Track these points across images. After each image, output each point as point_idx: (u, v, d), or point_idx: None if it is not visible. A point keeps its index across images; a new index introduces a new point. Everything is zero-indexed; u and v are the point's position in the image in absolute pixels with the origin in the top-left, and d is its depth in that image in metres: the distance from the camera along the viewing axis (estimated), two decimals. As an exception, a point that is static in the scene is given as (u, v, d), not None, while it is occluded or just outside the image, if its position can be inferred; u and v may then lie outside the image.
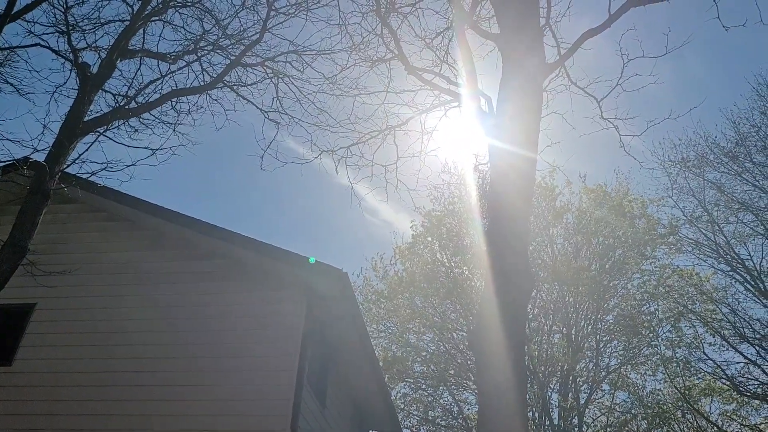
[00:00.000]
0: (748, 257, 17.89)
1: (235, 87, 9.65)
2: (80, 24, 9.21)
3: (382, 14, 7.86)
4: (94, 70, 8.47)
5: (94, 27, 9.34)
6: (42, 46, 8.59)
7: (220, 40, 9.67)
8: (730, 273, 18.24)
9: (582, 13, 8.38)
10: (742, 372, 17.24)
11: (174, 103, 9.22)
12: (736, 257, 17.99)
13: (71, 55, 8.65)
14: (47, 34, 8.92)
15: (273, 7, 9.51)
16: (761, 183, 17.76)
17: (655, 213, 20.42)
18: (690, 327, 18.59)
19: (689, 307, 18.64)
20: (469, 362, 19.59)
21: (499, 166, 5.95)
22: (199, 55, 9.56)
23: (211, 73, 9.60)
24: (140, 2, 8.94)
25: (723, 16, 6.64)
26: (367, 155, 9.09)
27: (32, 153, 7.34)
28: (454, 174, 19.81)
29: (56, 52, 8.72)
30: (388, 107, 8.89)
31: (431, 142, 9.16)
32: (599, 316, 20.33)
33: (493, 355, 4.71)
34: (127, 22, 8.96)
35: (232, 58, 9.50)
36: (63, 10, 8.85)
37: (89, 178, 7.70)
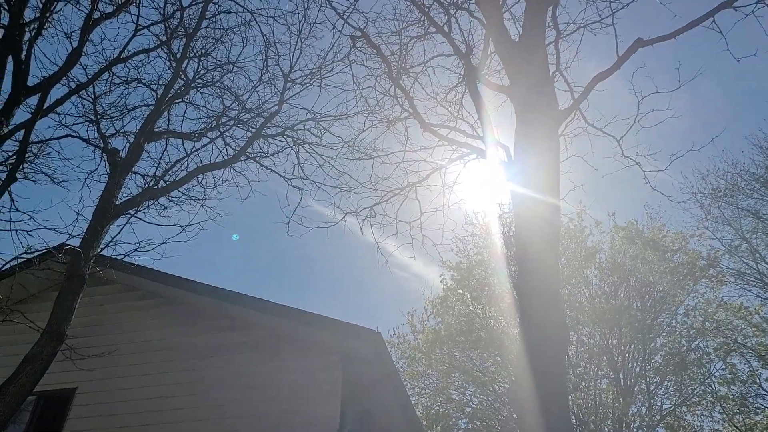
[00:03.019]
0: (795, 283, 17.27)
1: (257, 158, 9.93)
2: (108, 112, 9.67)
3: (394, 76, 8.07)
4: (123, 154, 8.81)
5: (121, 114, 9.80)
6: (73, 136, 9.02)
7: (241, 115, 10.02)
8: (778, 301, 17.59)
9: (591, 56, 8.48)
10: (804, 404, 16.36)
11: (200, 179, 9.50)
12: (783, 284, 17.38)
13: (101, 142, 9.04)
14: (77, 124, 9.38)
15: (289, 79, 9.87)
16: (798, 206, 17.31)
17: (694, 247, 19.94)
18: (744, 362, 17.80)
19: (740, 342, 17.89)
20: (514, 415, 18.96)
21: (523, 215, 5.93)
22: (221, 130, 9.90)
23: (233, 147, 9.91)
24: (163, 87, 9.36)
25: (732, 46, 6.63)
26: (390, 213, 9.17)
27: (67, 239, 7.58)
28: (478, 225, 19.78)
29: (86, 141, 9.12)
30: (407, 165, 9.02)
31: (453, 195, 9.21)
32: (647, 356, 19.60)
33: (534, 411, 4.56)
34: (152, 106, 9.37)
35: (253, 130, 9.80)
36: (92, 101, 9.31)
37: (123, 260, 7.88)
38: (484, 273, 20.21)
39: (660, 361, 19.77)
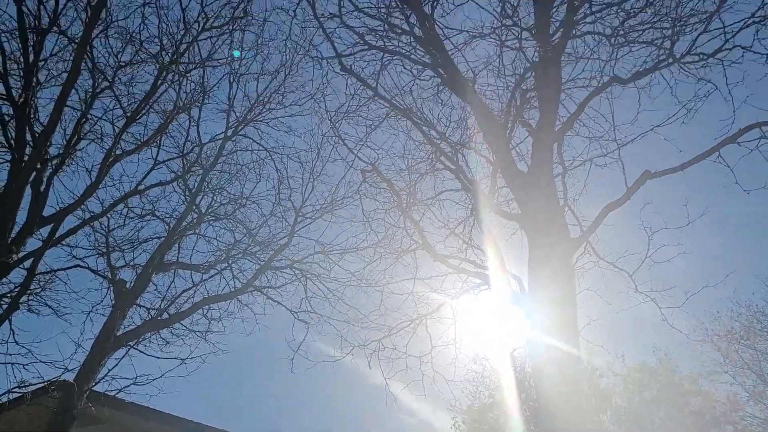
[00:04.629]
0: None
1: (264, 290, 9.82)
2: (120, 244, 9.71)
3: (404, 208, 8.18)
4: (130, 285, 8.73)
5: (133, 246, 9.83)
6: (82, 267, 8.97)
7: (251, 248, 10.07)
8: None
9: (599, 188, 8.58)
10: None
11: (205, 311, 9.33)
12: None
13: (109, 273, 8.99)
14: (88, 256, 9.39)
15: (300, 213, 10.05)
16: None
17: (709, 387, 19.05)
18: None
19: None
20: None
21: (541, 365, 5.64)
22: (230, 262, 9.89)
23: (241, 279, 9.85)
24: (176, 219, 9.50)
25: (741, 178, 6.71)
26: (399, 347, 8.82)
27: (63, 373, 7.26)
28: (490, 361, 19.12)
29: (95, 272, 9.07)
30: (417, 296, 8.84)
31: (465, 328, 8.91)
32: None
33: None
34: (163, 238, 9.44)
35: (262, 263, 9.79)
36: (105, 234, 9.39)
37: (117, 395, 7.49)
38: (496, 417, 19.14)
39: None
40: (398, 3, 7.89)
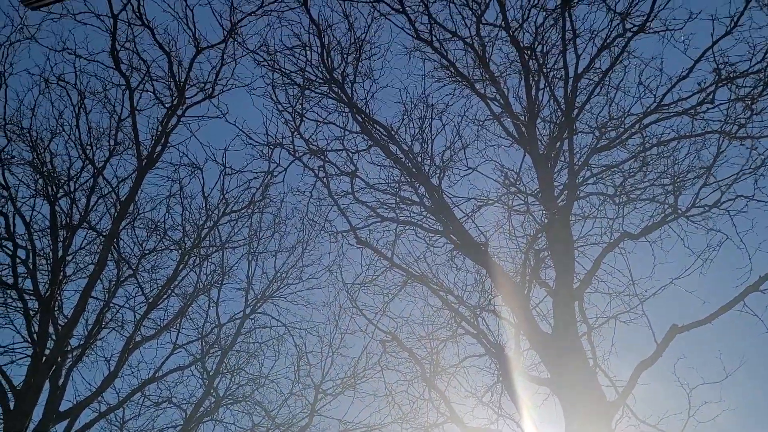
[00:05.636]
0: None
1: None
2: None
3: (428, 378, 7.91)
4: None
5: (148, 440, 9.40)
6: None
7: (270, 431, 9.61)
8: None
9: (628, 346, 8.28)
10: None
11: None
12: None
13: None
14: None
15: (320, 390, 9.76)
16: None
17: None
18: None
19: None
20: None
21: None
22: (249, 455, 9.39)
23: (260, 470, 9.26)
24: (193, 405, 9.20)
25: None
26: None
27: None
28: None
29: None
30: (453, 477, 8.18)
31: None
32: None
33: None
34: (179, 428, 9.08)
35: (282, 449, 9.30)
36: (119, 426, 9.07)
37: None
38: None
39: None
40: (407, 177, 8.31)
